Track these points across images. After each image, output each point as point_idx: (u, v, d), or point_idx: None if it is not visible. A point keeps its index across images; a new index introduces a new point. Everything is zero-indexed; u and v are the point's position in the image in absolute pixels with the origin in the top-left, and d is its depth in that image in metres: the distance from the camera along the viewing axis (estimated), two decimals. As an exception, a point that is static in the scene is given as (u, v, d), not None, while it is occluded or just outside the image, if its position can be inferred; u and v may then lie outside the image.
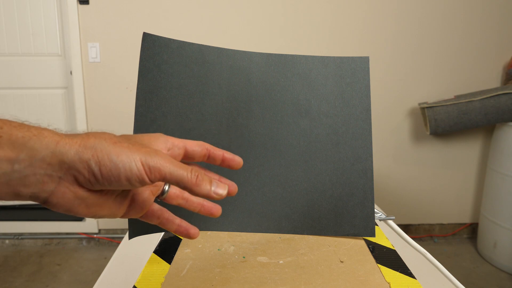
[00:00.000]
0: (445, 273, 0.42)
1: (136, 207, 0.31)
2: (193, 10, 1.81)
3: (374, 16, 1.86)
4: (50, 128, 0.26)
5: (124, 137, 0.28)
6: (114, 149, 0.25)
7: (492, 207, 1.76)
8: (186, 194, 0.33)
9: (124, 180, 0.25)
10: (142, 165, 0.25)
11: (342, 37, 1.87)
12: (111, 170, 0.24)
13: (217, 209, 0.33)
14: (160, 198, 0.33)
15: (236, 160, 0.34)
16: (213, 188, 0.28)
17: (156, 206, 0.34)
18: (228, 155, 0.34)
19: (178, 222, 0.34)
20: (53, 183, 0.24)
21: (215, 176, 0.35)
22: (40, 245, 1.99)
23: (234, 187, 0.33)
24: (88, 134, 0.26)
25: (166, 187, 0.32)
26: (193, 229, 0.35)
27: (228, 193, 0.31)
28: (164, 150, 0.30)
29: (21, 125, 0.24)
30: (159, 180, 0.26)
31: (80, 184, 0.25)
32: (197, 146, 0.33)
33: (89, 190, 0.26)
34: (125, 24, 1.81)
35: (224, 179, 0.34)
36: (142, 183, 0.26)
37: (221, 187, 0.29)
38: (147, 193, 0.32)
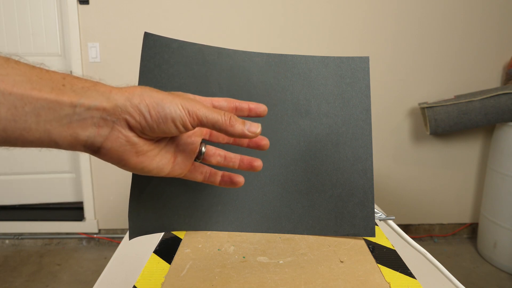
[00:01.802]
0: (445, 273, 0.42)
1: (180, 163, 0.34)
2: (193, 10, 1.81)
3: (374, 16, 1.86)
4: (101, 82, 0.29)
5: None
6: (158, 95, 0.28)
7: (492, 207, 1.76)
8: (223, 152, 0.36)
9: (170, 121, 0.28)
10: (183, 108, 0.29)
11: (342, 37, 1.88)
12: (159, 112, 0.28)
13: (258, 162, 0.36)
14: (199, 159, 0.36)
15: (261, 107, 0.37)
16: (246, 127, 0.31)
17: (198, 164, 0.36)
18: (253, 105, 0.36)
19: (221, 173, 0.37)
20: (107, 127, 0.27)
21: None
22: (40, 245, 1.99)
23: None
24: (133, 86, 0.29)
25: (203, 148, 0.35)
26: (237, 177, 0.37)
27: (259, 145, 0.36)
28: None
29: (80, 78, 0.27)
30: (198, 124, 0.29)
31: (132, 129, 0.28)
32: (223, 101, 0.36)
33: (140, 136, 0.29)
34: (125, 24, 1.81)
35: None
36: (185, 126, 0.29)
37: (254, 126, 0.31)
38: (188, 150, 0.34)
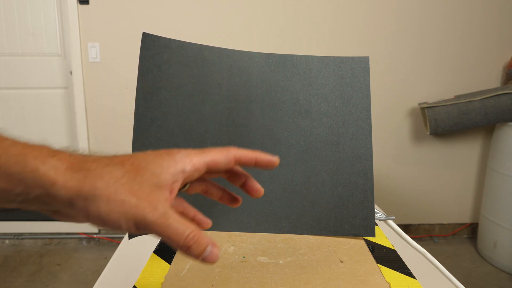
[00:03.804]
0: (445, 273, 0.42)
1: None
2: (193, 10, 1.81)
3: (374, 16, 1.86)
4: (50, 147, 0.25)
5: (129, 171, 0.25)
6: (106, 205, 0.24)
7: (492, 207, 1.76)
8: (207, 184, 0.34)
9: (113, 228, 0.25)
10: (134, 224, 0.24)
11: (342, 37, 1.87)
12: (99, 223, 0.25)
13: (237, 199, 0.34)
14: (182, 191, 0.32)
15: (273, 160, 0.31)
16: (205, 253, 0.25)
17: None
18: (263, 157, 0.31)
19: (192, 214, 0.34)
20: (49, 212, 0.25)
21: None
22: (40, 245, 1.99)
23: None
24: (88, 173, 0.24)
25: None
26: (205, 224, 0.34)
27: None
28: (174, 179, 0.27)
29: (19, 155, 0.23)
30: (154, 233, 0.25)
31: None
32: (222, 157, 0.30)
33: None
34: (125, 24, 1.81)
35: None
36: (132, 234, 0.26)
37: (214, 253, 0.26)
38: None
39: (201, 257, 0.25)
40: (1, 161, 0.23)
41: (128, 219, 0.24)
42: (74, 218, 0.26)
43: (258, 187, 0.33)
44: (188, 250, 0.25)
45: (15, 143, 0.24)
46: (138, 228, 0.24)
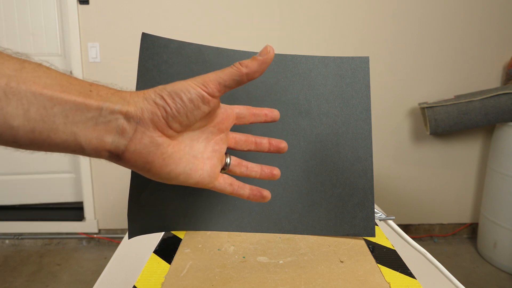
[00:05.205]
0: (445, 273, 0.42)
1: (209, 171, 0.34)
2: (193, 10, 1.81)
3: (374, 16, 1.86)
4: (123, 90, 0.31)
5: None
6: (169, 85, 0.30)
7: (492, 207, 1.76)
8: (245, 162, 0.38)
9: (188, 102, 0.29)
10: (196, 84, 0.30)
11: (342, 37, 1.88)
12: (173, 97, 0.29)
13: (277, 170, 0.38)
14: (225, 170, 0.37)
15: (274, 111, 0.38)
16: (258, 57, 0.31)
17: (226, 176, 0.37)
18: (267, 110, 0.38)
19: (249, 187, 0.37)
20: (131, 129, 0.28)
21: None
22: (40, 245, 1.99)
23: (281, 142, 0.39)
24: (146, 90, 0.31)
25: (228, 160, 0.37)
26: (265, 192, 0.38)
27: (279, 148, 0.38)
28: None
29: (105, 86, 0.29)
30: (216, 89, 0.30)
31: (155, 126, 0.29)
32: (244, 109, 0.37)
33: (164, 135, 0.29)
34: (125, 24, 1.81)
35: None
36: (204, 100, 0.30)
37: (262, 50, 0.32)
38: (215, 159, 0.35)
39: (258, 57, 0.31)
40: (94, 87, 0.28)
41: (190, 83, 0.30)
42: (152, 126, 0.29)
43: (283, 142, 0.39)
44: (246, 67, 0.31)
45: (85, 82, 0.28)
46: (202, 84, 0.30)
